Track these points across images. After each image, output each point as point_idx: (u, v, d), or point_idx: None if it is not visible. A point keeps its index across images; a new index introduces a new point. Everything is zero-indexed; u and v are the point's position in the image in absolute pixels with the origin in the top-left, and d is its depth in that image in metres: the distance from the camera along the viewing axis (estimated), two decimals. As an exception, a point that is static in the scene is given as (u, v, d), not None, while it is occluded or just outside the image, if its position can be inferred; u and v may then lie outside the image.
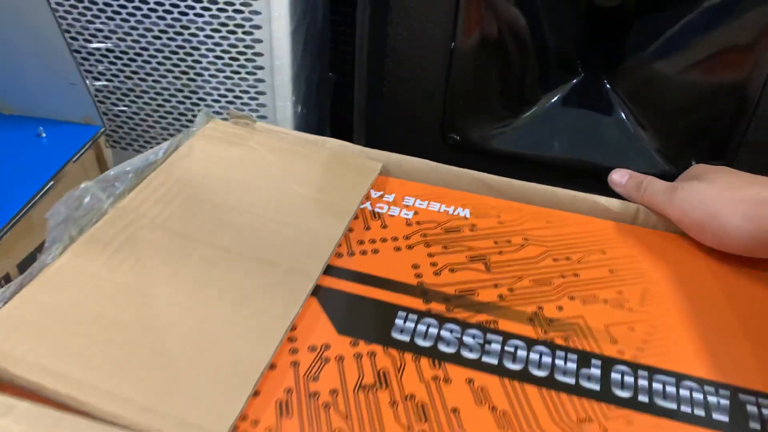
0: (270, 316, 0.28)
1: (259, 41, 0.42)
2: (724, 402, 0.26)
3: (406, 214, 0.36)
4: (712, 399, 0.26)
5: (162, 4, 0.43)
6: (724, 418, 0.26)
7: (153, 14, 0.43)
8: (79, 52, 0.45)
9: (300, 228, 0.33)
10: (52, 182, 0.36)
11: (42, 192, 0.36)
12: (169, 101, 0.48)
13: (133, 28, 0.44)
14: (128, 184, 0.34)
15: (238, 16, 0.42)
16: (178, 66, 0.46)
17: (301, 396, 0.26)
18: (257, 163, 0.37)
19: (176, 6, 0.43)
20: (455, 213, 0.36)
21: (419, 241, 0.34)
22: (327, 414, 0.25)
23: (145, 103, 0.49)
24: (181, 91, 0.47)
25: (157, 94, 0.48)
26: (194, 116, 0.49)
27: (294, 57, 0.43)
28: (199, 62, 0.45)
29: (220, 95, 0.47)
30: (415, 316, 0.29)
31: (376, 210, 0.36)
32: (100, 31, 0.45)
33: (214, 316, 0.28)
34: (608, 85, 0.44)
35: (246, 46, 0.43)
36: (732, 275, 0.33)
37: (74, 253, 0.30)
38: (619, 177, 0.37)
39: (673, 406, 0.26)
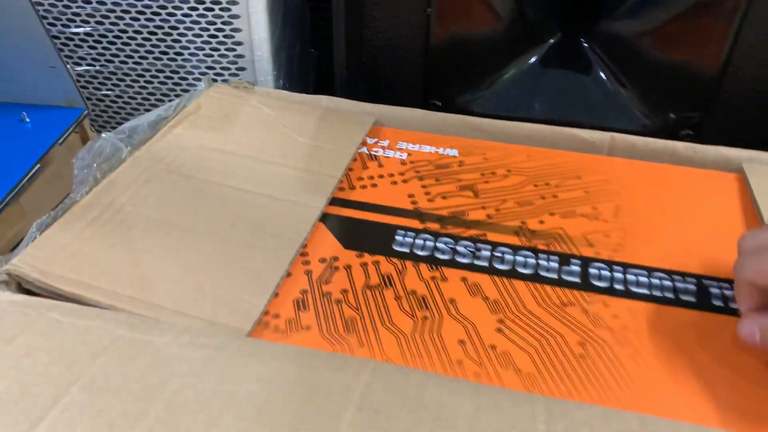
0: (283, 238, 0.31)
1: (237, 17, 0.45)
2: (691, 287, 0.30)
3: (400, 156, 0.39)
4: (680, 285, 0.30)
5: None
6: (692, 299, 0.29)
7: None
8: (58, 37, 0.47)
9: (303, 170, 0.36)
10: (39, 165, 0.37)
11: (29, 176, 0.37)
12: (151, 82, 0.50)
13: (110, 10, 0.46)
14: (143, 136, 0.37)
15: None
16: (157, 46, 0.48)
17: (315, 295, 0.29)
18: (260, 118, 0.41)
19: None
20: (445, 153, 0.39)
21: (413, 176, 0.37)
22: (339, 307, 0.28)
23: (128, 86, 0.51)
24: (162, 71, 0.49)
25: (139, 75, 0.50)
26: (177, 96, 0.51)
27: (272, 32, 0.46)
28: (179, 41, 0.47)
29: (201, 73, 0.49)
30: (413, 233, 0.33)
31: (373, 153, 0.39)
32: (78, 15, 0.47)
33: (233, 239, 0.31)
34: (586, 44, 0.47)
35: (224, 23, 0.45)
36: (697, 194, 0.36)
37: (100, 190, 0.33)
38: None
39: (645, 291, 0.29)
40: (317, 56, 0.64)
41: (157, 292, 0.28)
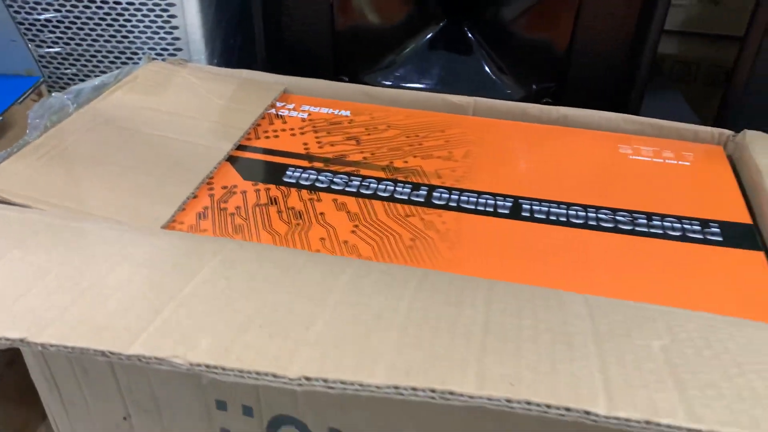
0: (193, 171, 0.40)
1: (173, 4, 0.54)
2: (509, 203, 0.38)
3: (301, 115, 0.47)
4: (500, 202, 0.38)
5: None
6: (506, 212, 0.38)
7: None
8: (22, 23, 0.55)
9: (218, 123, 0.45)
10: (1, 118, 0.46)
11: None
12: (102, 62, 0.58)
13: None
14: (87, 96, 0.45)
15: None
16: (107, 30, 0.55)
17: (214, 210, 0.37)
18: (187, 86, 0.49)
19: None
20: (339, 113, 0.48)
21: (309, 130, 0.46)
22: (232, 218, 0.36)
23: (83, 65, 0.59)
24: (111, 52, 0.57)
25: (92, 56, 0.58)
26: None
27: (204, 19, 0.54)
28: (125, 26, 0.55)
29: (143, 53, 0.57)
30: (300, 169, 0.41)
31: (279, 113, 0.48)
32: (39, 3, 0.55)
33: (154, 172, 0.39)
34: (467, 30, 0.57)
35: (162, 9, 0.54)
36: (533, 144, 0.45)
37: (49, 135, 0.41)
38: None
39: (472, 207, 0.38)
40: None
41: (90, 204, 0.36)
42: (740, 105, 0.54)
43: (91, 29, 0.56)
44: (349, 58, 0.56)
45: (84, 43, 0.57)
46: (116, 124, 0.43)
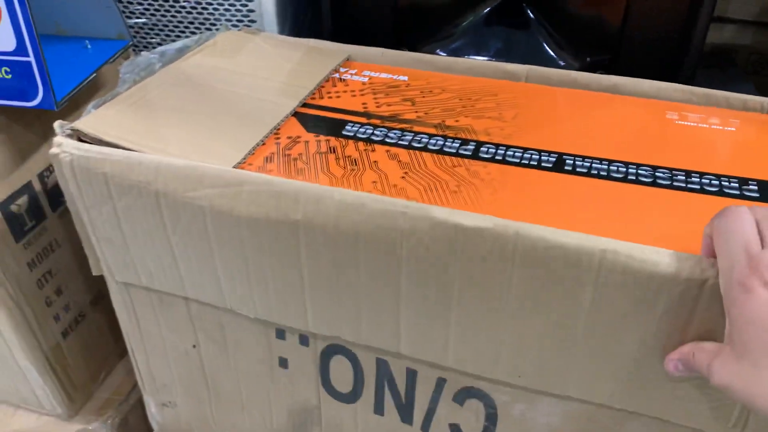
0: (262, 123, 0.44)
1: None
2: (553, 158, 0.40)
3: (362, 79, 0.51)
4: (544, 157, 0.41)
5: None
6: (549, 166, 0.40)
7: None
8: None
9: (286, 84, 0.49)
10: (95, 74, 0.50)
11: (88, 80, 0.49)
12: (184, 32, 0.64)
13: None
14: (171, 56, 0.50)
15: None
16: (189, 1, 0.61)
17: (279, 156, 0.41)
18: (260, 51, 0.53)
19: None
20: (397, 78, 0.51)
21: (369, 92, 0.49)
22: (294, 163, 0.40)
23: (166, 35, 0.65)
24: (192, 23, 0.63)
25: (175, 26, 0.63)
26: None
27: None
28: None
29: (221, 24, 0.62)
30: (358, 125, 0.44)
31: (342, 77, 0.51)
32: None
33: (227, 121, 0.43)
34: (525, 5, 0.59)
35: None
36: (582, 108, 0.47)
37: (137, 88, 0.46)
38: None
39: (516, 161, 0.40)
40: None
41: (170, 145, 0.40)
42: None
43: (175, 0, 0.61)
44: (409, 30, 0.59)
45: (168, 14, 0.63)
46: (196, 81, 0.48)
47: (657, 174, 0.39)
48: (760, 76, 0.97)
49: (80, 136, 0.40)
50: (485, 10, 0.58)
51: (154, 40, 0.64)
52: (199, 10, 0.61)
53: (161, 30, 0.64)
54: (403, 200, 0.34)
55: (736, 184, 0.38)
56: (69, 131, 0.40)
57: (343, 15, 0.60)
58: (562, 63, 0.56)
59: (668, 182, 0.38)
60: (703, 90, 0.47)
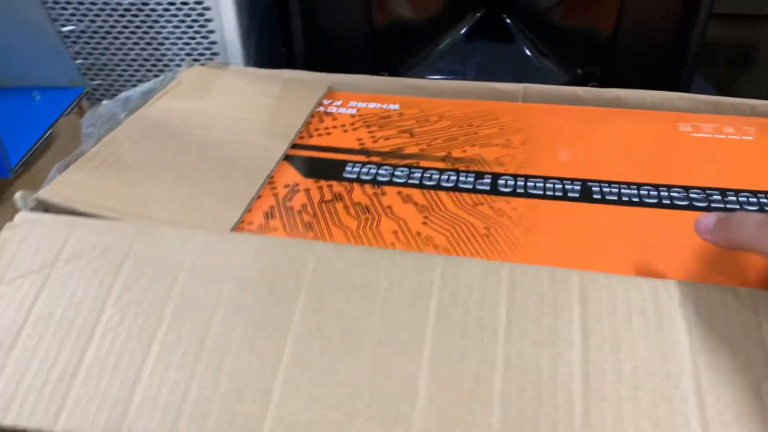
0: (253, 171, 0.39)
1: (208, 8, 0.53)
2: (577, 187, 0.38)
3: (350, 111, 0.47)
4: (568, 186, 0.38)
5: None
6: (576, 195, 0.37)
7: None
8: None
9: (269, 123, 0.44)
10: (50, 131, 0.45)
11: (43, 138, 0.44)
12: (138, 70, 0.58)
13: (101, 9, 0.54)
14: (136, 103, 0.44)
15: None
16: (143, 38, 0.56)
17: (281, 209, 0.36)
18: (231, 88, 0.48)
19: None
20: (388, 107, 0.47)
21: (361, 126, 0.45)
22: (300, 216, 0.36)
23: (119, 75, 0.59)
24: (147, 60, 0.57)
25: (128, 65, 0.58)
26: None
27: (240, 20, 0.54)
28: (161, 32, 0.55)
29: (181, 59, 0.57)
30: (359, 164, 0.40)
31: (328, 111, 0.47)
32: (74, 15, 0.55)
33: (213, 172, 0.39)
34: (507, 18, 0.56)
35: (198, 14, 0.54)
36: (589, 125, 0.44)
37: (104, 143, 0.40)
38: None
39: (540, 192, 0.37)
40: (287, 54, 0.71)
41: (153, 209, 0.35)
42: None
43: (127, 38, 0.56)
44: (388, 52, 0.55)
45: (120, 52, 0.57)
46: (168, 128, 0.43)
47: (691, 196, 0.36)
48: (706, 65, 0.98)
49: (48, 207, 0.35)
50: (466, 27, 0.55)
51: (105, 82, 0.58)
52: (155, 45, 0.56)
53: (112, 70, 0.58)
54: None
55: (776, 200, 0.36)
56: (33, 203, 0.35)
57: (315, 38, 0.55)
58: (552, 77, 0.53)
59: (705, 204, 0.36)
60: (708, 97, 0.45)
